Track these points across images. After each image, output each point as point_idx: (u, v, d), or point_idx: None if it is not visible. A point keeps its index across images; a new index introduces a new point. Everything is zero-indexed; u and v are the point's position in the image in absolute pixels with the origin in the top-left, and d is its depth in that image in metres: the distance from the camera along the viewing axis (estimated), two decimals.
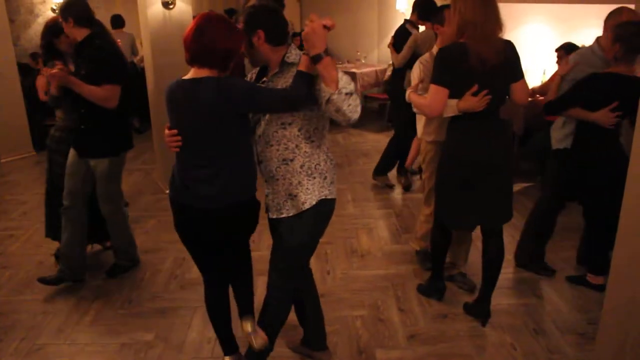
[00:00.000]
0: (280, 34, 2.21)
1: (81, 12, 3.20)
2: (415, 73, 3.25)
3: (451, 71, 2.70)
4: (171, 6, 4.69)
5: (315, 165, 2.27)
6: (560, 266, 3.65)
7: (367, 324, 3.11)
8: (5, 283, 3.63)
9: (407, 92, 3.03)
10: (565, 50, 4.86)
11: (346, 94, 2.00)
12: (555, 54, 4.97)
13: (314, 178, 2.27)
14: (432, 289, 3.35)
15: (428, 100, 2.76)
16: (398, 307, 3.27)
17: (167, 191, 5.18)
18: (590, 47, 3.29)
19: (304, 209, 2.27)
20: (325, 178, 2.31)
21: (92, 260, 3.92)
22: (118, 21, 7.30)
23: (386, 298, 3.36)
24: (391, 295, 3.38)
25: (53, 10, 8.38)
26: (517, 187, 5.15)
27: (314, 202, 2.27)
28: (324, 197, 2.30)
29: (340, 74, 2.03)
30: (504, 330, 3.02)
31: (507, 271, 3.61)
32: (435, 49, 3.20)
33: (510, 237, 4.10)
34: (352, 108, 2.03)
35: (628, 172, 2.23)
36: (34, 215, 4.67)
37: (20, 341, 3.01)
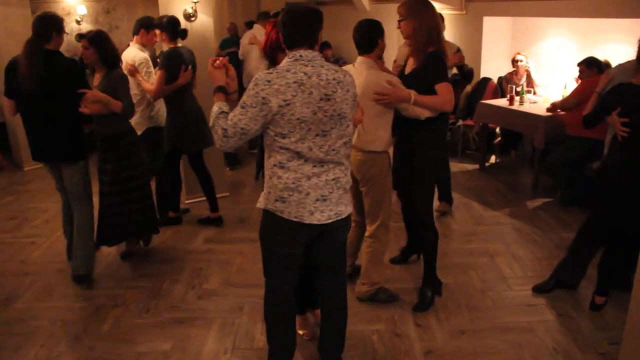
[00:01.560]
0: (289, 38, 2.25)
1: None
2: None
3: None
4: (193, 18, 4.76)
5: (266, 176, 2.34)
6: (581, 284, 3.59)
7: (383, 339, 3.09)
8: (26, 290, 3.68)
9: (413, 96, 2.98)
10: (587, 65, 4.83)
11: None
12: (577, 68, 4.93)
13: (266, 187, 2.36)
14: (434, 293, 3.44)
15: (447, 96, 3.00)
16: (415, 322, 3.24)
17: (187, 201, 5.24)
18: (632, 61, 3.32)
19: (258, 206, 2.41)
20: (269, 193, 2.32)
21: (110, 268, 3.98)
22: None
23: (403, 312, 3.33)
24: (408, 310, 3.35)
25: (77, 22, 8.57)
26: (537, 202, 5.10)
27: (261, 207, 2.39)
28: (270, 209, 2.34)
29: (213, 108, 2.30)
30: (522, 348, 2.98)
31: (527, 287, 3.57)
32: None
33: (530, 252, 4.06)
34: (215, 139, 2.28)
35: None
36: (55, 223, 4.72)
37: (39, 348, 3.05)
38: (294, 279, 2.56)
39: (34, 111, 3.52)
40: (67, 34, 3.65)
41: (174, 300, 3.53)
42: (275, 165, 2.27)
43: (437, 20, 3.08)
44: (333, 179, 2.31)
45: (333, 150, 2.28)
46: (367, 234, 3.38)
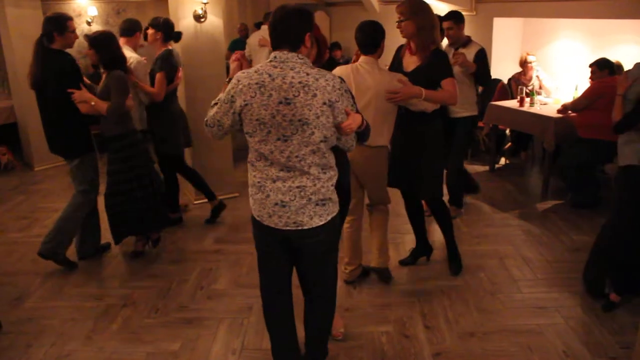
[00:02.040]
0: (271, 38, 2.23)
1: None
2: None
3: None
4: (202, 20, 4.77)
5: None
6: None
7: (392, 340, 3.08)
8: (36, 289, 3.70)
9: (424, 92, 3.13)
10: (598, 66, 4.79)
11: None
12: (590, 69, 4.89)
13: None
14: (458, 262, 3.82)
15: (453, 91, 3.22)
16: (424, 323, 3.23)
17: (196, 202, 5.23)
18: None
19: None
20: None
21: (119, 268, 4.00)
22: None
23: (412, 314, 3.32)
24: (417, 312, 3.34)
25: (88, 23, 8.61)
26: (547, 204, 5.07)
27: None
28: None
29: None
30: (532, 351, 2.95)
31: (537, 290, 3.54)
32: None
33: (540, 255, 4.03)
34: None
35: None
36: None
37: (49, 347, 3.07)
38: (277, 280, 2.51)
39: (38, 106, 3.73)
40: (72, 32, 3.64)
41: (183, 300, 3.54)
42: (249, 162, 2.34)
43: (437, 19, 3.28)
44: (297, 187, 2.22)
45: (296, 156, 2.18)
46: (378, 213, 3.64)
